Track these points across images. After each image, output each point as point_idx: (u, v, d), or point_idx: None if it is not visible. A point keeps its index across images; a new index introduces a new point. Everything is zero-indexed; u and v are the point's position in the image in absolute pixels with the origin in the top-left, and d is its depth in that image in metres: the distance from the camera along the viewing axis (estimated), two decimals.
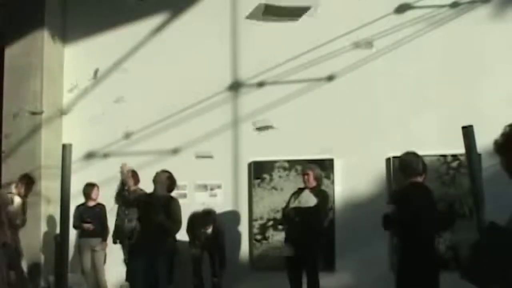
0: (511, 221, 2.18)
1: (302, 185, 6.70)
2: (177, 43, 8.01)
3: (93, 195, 7.65)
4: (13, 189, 7.35)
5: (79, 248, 7.68)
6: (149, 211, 6.51)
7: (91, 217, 7.55)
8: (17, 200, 7.29)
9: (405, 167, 5.27)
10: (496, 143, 2.19)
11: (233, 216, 7.65)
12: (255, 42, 7.76)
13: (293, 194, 6.75)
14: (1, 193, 6.88)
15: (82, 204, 7.62)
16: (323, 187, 7.05)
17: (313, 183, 6.62)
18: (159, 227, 6.40)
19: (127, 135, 8.04)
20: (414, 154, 5.31)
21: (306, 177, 6.65)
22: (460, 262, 5.70)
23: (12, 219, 6.91)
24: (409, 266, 4.96)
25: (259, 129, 7.63)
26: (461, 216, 6.58)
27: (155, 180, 6.64)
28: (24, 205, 7.40)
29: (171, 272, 6.68)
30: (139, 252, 6.52)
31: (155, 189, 6.66)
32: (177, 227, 6.60)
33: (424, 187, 5.28)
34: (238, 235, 7.63)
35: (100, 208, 7.68)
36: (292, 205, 6.56)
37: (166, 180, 6.65)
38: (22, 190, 7.42)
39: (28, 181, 7.51)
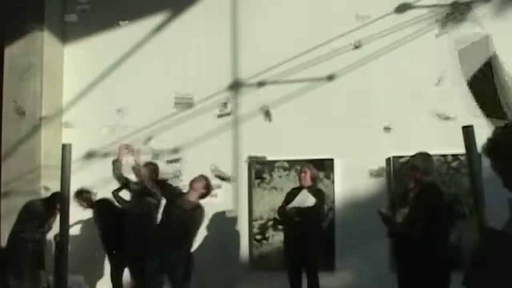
0: (510, 224, 2.17)
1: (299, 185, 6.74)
2: (177, 43, 8.01)
3: None
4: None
5: None
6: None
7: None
8: None
9: (432, 167, 5.40)
10: (484, 148, 2.21)
11: (233, 216, 7.66)
12: (255, 42, 7.75)
13: (289, 194, 6.77)
14: None
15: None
16: (322, 187, 7.06)
17: (309, 182, 6.64)
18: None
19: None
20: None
21: (303, 175, 6.67)
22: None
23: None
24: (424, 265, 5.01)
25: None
26: (461, 216, 6.57)
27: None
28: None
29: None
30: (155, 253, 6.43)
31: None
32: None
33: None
34: (238, 235, 7.63)
35: None
36: (290, 205, 6.57)
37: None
38: None
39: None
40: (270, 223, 7.48)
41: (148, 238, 6.59)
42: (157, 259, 6.33)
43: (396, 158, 7.10)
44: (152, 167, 7.13)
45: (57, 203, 6.77)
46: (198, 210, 6.51)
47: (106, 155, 8.08)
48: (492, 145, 2.18)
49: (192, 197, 6.58)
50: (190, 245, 6.53)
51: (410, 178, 5.43)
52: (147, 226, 6.74)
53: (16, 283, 6.86)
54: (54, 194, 6.92)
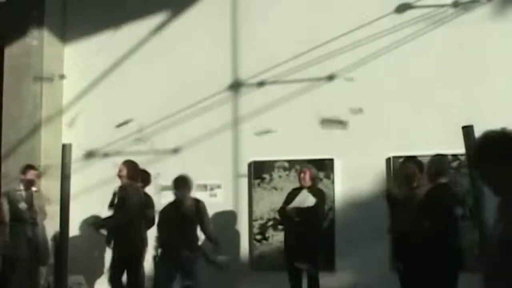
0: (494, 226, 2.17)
1: (299, 186, 6.74)
2: (177, 43, 8.00)
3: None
4: (21, 186, 7.30)
5: None
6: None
7: None
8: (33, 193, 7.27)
9: (447, 169, 5.48)
10: (469, 159, 2.20)
11: (233, 216, 7.66)
12: (255, 42, 7.75)
13: (289, 194, 6.77)
14: None
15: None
16: (322, 187, 7.07)
17: (308, 182, 6.66)
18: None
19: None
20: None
21: (302, 175, 6.69)
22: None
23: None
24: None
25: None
26: (461, 216, 6.57)
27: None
28: (35, 197, 7.30)
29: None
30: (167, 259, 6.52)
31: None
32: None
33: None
34: (238, 235, 7.63)
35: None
36: (290, 205, 6.58)
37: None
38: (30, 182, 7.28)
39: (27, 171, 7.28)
40: (270, 223, 7.48)
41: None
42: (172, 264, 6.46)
43: (396, 158, 7.10)
44: (130, 165, 6.96)
45: (26, 171, 7.25)
46: (199, 204, 6.66)
47: (106, 155, 8.09)
48: (478, 154, 2.15)
49: (186, 199, 6.65)
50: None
51: (418, 176, 5.47)
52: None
53: (14, 273, 6.93)
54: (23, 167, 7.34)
